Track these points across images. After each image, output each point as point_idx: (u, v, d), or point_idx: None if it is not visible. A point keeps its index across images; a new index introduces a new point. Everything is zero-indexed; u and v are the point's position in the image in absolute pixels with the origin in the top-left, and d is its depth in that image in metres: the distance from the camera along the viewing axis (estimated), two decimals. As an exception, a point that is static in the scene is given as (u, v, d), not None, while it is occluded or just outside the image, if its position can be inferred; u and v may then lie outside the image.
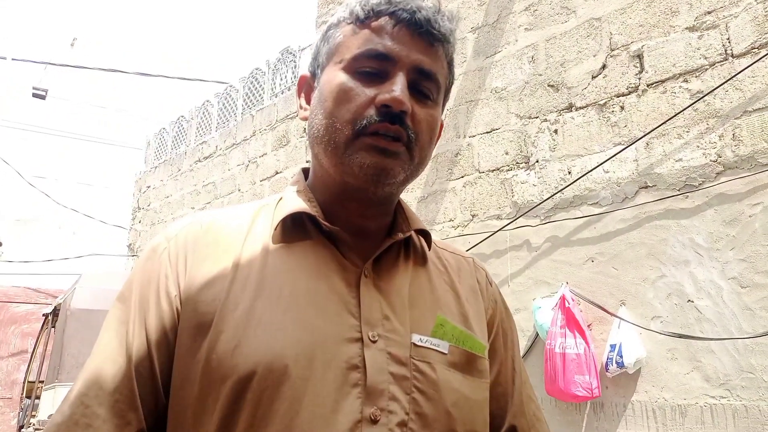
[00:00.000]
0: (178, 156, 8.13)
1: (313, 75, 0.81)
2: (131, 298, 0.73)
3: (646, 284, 2.82)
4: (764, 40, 2.58)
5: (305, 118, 0.80)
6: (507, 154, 3.56)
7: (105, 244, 11.11)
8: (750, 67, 2.58)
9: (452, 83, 0.82)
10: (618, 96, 3.07)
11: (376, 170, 0.71)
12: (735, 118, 2.63)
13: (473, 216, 3.69)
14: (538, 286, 3.25)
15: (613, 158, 3.00)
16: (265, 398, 0.63)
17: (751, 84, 2.59)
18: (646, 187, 2.89)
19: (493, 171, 3.63)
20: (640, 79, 3.00)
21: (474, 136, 3.78)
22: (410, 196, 4.06)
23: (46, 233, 12.34)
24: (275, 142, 6.05)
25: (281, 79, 6.49)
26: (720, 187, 2.63)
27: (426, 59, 0.74)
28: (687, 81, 2.81)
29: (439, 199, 3.93)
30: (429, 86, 0.75)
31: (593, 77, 3.20)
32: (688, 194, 2.73)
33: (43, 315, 6.04)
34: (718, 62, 2.72)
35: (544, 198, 3.28)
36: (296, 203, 0.76)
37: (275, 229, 0.75)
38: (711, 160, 2.68)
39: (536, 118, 3.43)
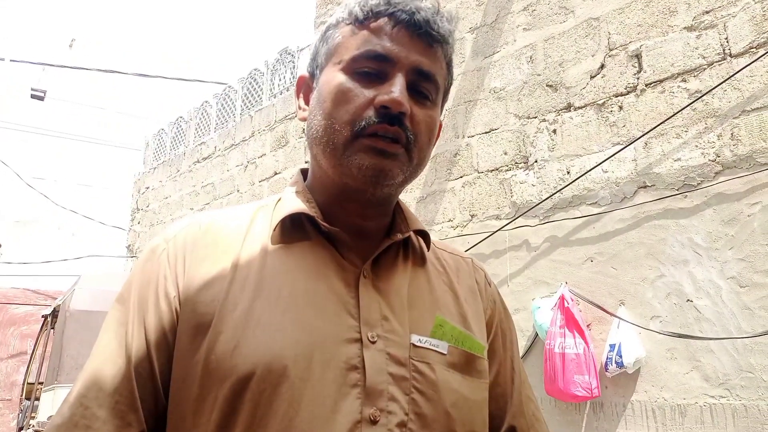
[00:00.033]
0: (177, 157, 8.13)
1: (312, 75, 0.81)
2: (130, 299, 0.73)
3: (645, 284, 2.82)
4: (762, 40, 2.58)
5: (304, 119, 0.80)
6: (506, 154, 3.56)
7: (104, 245, 11.12)
8: (748, 67, 2.58)
9: (451, 84, 0.82)
10: (616, 96, 3.08)
11: (375, 172, 0.71)
12: (733, 118, 2.63)
13: (472, 216, 3.69)
14: (537, 286, 3.26)
15: (612, 158, 3.00)
16: (264, 399, 0.63)
17: (750, 83, 2.60)
18: (645, 187, 2.89)
19: (492, 171, 3.63)
20: (638, 78, 3.00)
21: (473, 136, 3.78)
22: (409, 196, 4.06)
23: (45, 234, 12.33)
24: (274, 143, 6.05)
25: (280, 80, 6.49)
26: (718, 187, 2.63)
27: (425, 60, 0.74)
28: (685, 81, 2.82)
29: (438, 200, 3.93)
30: (428, 87, 0.75)
31: (592, 77, 3.20)
32: (686, 194, 2.73)
33: (43, 316, 6.03)
34: (716, 62, 2.72)
35: (543, 198, 3.28)
36: (295, 204, 0.76)
37: (274, 230, 0.75)
38: (709, 160, 2.68)
39: (535, 118, 3.44)
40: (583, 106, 3.21)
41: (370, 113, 0.71)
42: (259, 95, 6.74)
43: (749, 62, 2.58)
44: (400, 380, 0.68)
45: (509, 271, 3.41)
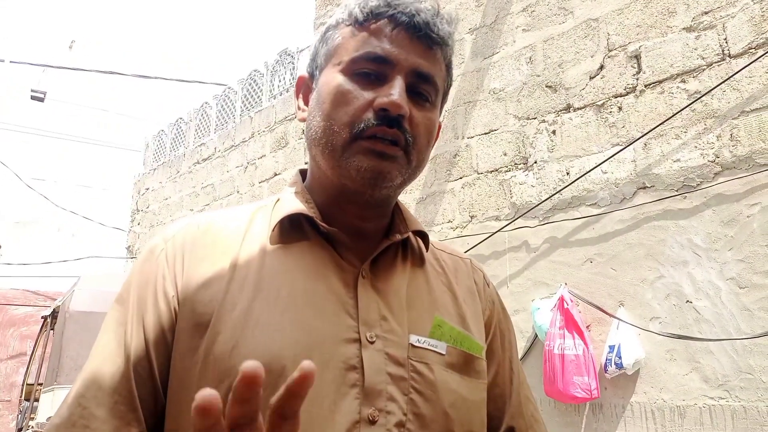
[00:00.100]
0: (176, 158, 8.13)
1: (312, 76, 0.81)
2: (129, 299, 0.73)
3: (645, 285, 2.82)
4: (761, 41, 2.59)
5: (303, 119, 0.81)
6: (505, 155, 3.57)
7: (104, 246, 11.11)
8: (747, 68, 2.59)
9: (450, 85, 0.82)
10: (616, 97, 3.08)
11: (374, 174, 0.71)
12: (732, 119, 2.63)
13: (472, 217, 3.69)
14: (536, 287, 3.26)
15: (611, 159, 3.01)
16: (263, 399, 0.63)
17: (749, 84, 2.60)
18: (644, 188, 2.90)
19: (491, 172, 3.63)
20: (637, 79, 3.00)
21: (472, 137, 3.78)
22: (409, 197, 4.06)
23: (45, 235, 12.33)
24: (274, 144, 6.05)
25: (279, 81, 6.49)
26: (718, 188, 2.63)
27: (424, 62, 0.74)
28: (684, 81, 2.82)
29: (438, 201, 3.93)
30: (427, 89, 0.75)
31: (591, 78, 3.20)
32: (686, 195, 2.73)
33: (42, 317, 6.03)
34: (715, 62, 2.73)
35: (543, 199, 3.28)
36: (294, 204, 0.76)
37: (273, 230, 0.75)
38: (709, 161, 2.69)
39: (534, 119, 3.44)
40: (583, 107, 3.22)
41: (369, 115, 0.71)
42: (258, 96, 6.74)
43: (748, 63, 2.58)
44: (399, 380, 0.68)
45: (509, 272, 3.41)
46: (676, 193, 2.77)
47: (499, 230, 3.45)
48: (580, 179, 3.12)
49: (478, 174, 3.70)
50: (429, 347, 0.72)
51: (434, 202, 3.96)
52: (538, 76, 3.46)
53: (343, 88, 0.72)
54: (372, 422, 0.65)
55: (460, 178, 3.81)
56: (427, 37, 0.74)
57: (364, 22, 0.74)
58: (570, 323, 2.89)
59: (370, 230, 0.78)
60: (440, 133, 0.85)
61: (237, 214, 0.79)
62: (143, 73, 10.53)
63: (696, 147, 2.74)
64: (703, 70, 2.77)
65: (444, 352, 0.73)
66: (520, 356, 2.85)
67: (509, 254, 3.44)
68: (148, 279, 0.73)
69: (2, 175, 10.76)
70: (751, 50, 2.61)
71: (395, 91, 0.70)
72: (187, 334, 0.68)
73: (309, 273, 0.72)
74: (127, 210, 9.83)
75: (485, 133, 3.71)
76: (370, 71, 0.73)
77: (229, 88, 7.50)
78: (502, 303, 0.90)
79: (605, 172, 3.06)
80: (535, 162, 3.39)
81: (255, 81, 6.92)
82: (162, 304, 0.70)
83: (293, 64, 6.36)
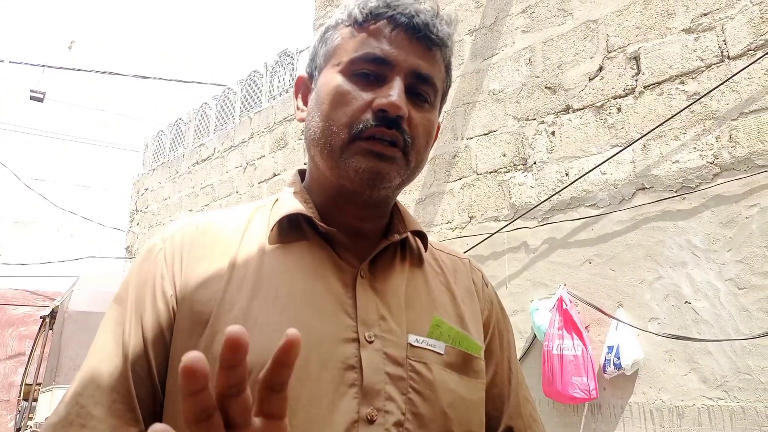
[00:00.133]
0: (176, 158, 8.13)
1: (311, 76, 0.81)
2: (127, 299, 0.73)
3: (644, 286, 2.82)
4: (760, 42, 2.59)
5: (302, 120, 0.81)
6: (504, 156, 3.57)
7: (103, 246, 11.11)
8: (746, 69, 2.59)
9: (449, 86, 0.82)
10: (615, 98, 3.08)
11: (372, 174, 0.71)
12: (731, 120, 2.63)
13: (471, 218, 3.70)
14: (535, 287, 3.26)
15: (611, 160, 3.01)
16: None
17: (748, 85, 2.60)
18: (643, 189, 2.90)
19: (490, 173, 3.63)
20: (636, 81, 3.01)
21: (472, 138, 3.78)
22: (408, 198, 4.06)
23: (44, 236, 12.32)
24: (273, 145, 6.05)
25: (279, 82, 6.49)
26: (717, 189, 2.64)
27: (423, 63, 0.74)
28: (683, 83, 2.82)
29: (437, 201, 3.93)
30: (426, 90, 0.75)
31: (590, 79, 3.21)
32: (685, 196, 2.74)
33: (41, 317, 6.03)
34: (714, 64, 2.73)
35: (542, 200, 3.28)
36: (292, 204, 0.76)
37: (271, 230, 0.75)
38: (708, 162, 2.69)
39: (533, 120, 3.44)
40: (582, 108, 3.22)
41: (368, 116, 0.71)
42: (258, 97, 6.74)
43: (747, 64, 2.59)
44: (397, 380, 0.68)
45: (508, 272, 3.41)
46: (675, 194, 2.77)
47: (498, 231, 3.45)
48: (579, 180, 3.12)
49: (478, 175, 3.71)
50: (427, 347, 0.72)
51: (433, 202, 3.96)
52: (538, 77, 3.47)
53: (342, 89, 0.73)
54: (370, 422, 0.65)
55: (460, 178, 3.81)
56: (426, 39, 0.74)
57: (363, 23, 0.74)
58: (569, 324, 2.90)
59: (369, 230, 0.78)
60: (439, 133, 0.85)
61: (236, 214, 0.79)
62: (142, 73, 10.53)
63: (695, 148, 2.74)
64: (702, 71, 2.77)
65: (442, 352, 0.73)
66: (519, 357, 2.85)
67: (508, 255, 3.44)
68: (146, 278, 0.73)
69: (2, 175, 10.76)
70: (750, 52, 2.62)
71: (394, 92, 0.70)
72: (185, 334, 0.68)
73: (308, 273, 0.72)
74: (126, 210, 9.83)
75: (484, 134, 3.71)
76: (369, 72, 0.73)
77: (228, 88, 7.50)
78: (500, 303, 0.90)
79: (604, 173, 3.06)
80: (534, 163, 3.39)
81: (254, 81, 6.92)
82: (160, 303, 0.70)
83: (293, 65, 6.37)
